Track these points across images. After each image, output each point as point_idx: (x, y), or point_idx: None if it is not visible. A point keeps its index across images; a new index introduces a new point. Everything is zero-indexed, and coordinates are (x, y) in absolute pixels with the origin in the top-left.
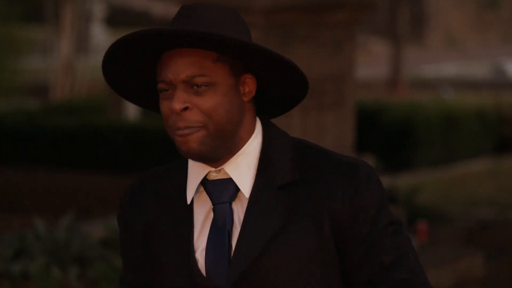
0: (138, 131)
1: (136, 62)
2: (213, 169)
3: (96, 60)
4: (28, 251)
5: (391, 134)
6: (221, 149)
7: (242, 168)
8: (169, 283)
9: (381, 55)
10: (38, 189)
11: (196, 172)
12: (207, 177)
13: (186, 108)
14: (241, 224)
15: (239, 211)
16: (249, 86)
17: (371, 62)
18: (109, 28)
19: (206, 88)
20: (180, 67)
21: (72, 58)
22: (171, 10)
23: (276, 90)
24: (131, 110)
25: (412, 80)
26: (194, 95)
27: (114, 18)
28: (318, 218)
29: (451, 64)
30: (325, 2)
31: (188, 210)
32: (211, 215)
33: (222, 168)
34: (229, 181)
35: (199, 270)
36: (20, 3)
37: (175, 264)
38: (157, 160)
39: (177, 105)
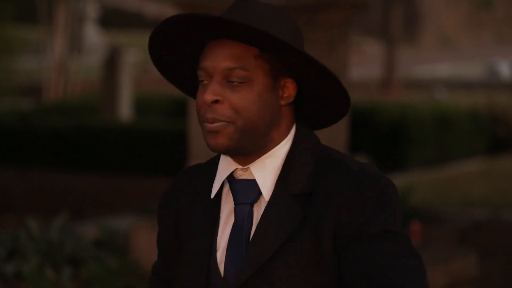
0: (132, 132)
1: (183, 46)
2: (240, 166)
3: (89, 60)
4: (21, 252)
5: (384, 135)
6: (251, 146)
7: (267, 171)
8: (187, 278)
9: (375, 56)
10: (31, 189)
11: (224, 167)
12: (234, 175)
13: (217, 101)
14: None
15: (258, 214)
16: (289, 90)
17: (365, 62)
18: (102, 28)
19: (242, 84)
20: (220, 58)
21: (65, 58)
22: (164, 11)
23: (317, 100)
24: (124, 110)
25: (406, 80)
26: (228, 89)
27: (107, 19)
28: (319, 228)
29: (444, 64)
30: (318, 2)
31: (215, 206)
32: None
33: (249, 168)
34: (254, 182)
35: (217, 269)
36: (13, 3)
37: (195, 260)
38: (151, 160)
39: (209, 96)
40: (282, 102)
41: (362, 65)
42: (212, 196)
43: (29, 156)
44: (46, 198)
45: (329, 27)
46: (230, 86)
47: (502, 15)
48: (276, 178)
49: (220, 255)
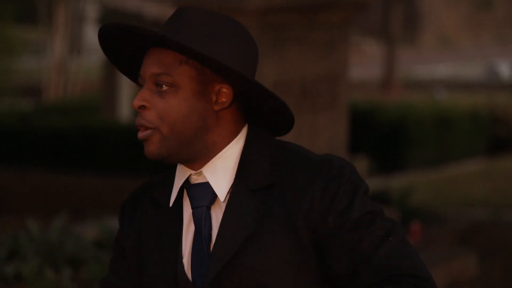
0: (132, 132)
1: (130, 50)
2: (193, 171)
3: (89, 60)
4: (21, 252)
5: (384, 135)
6: (189, 151)
7: (219, 172)
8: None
9: (375, 56)
10: (31, 189)
11: (179, 175)
12: (190, 181)
13: (144, 107)
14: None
15: (218, 215)
16: (225, 96)
17: (365, 62)
18: None
19: (168, 90)
20: (149, 64)
21: (65, 58)
22: (164, 11)
23: (258, 100)
24: (124, 110)
25: (406, 80)
26: (156, 95)
27: (107, 19)
28: (291, 221)
29: (444, 65)
30: (318, 2)
31: (176, 215)
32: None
33: (201, 171)
34: (208, 185)
35: (185, 275)
36: (13, 3)
37: (162, 270)
38: (151, 160)
39: (135, 102)
40: (216, 108)
41: (362, 65)
42: (170, 204)
43: (29, 156)
44: (46, 198)
45: (329, 27)
46: (158, 92)
47: (502, 15)
48: (233, 177)
49: (186, 261)
